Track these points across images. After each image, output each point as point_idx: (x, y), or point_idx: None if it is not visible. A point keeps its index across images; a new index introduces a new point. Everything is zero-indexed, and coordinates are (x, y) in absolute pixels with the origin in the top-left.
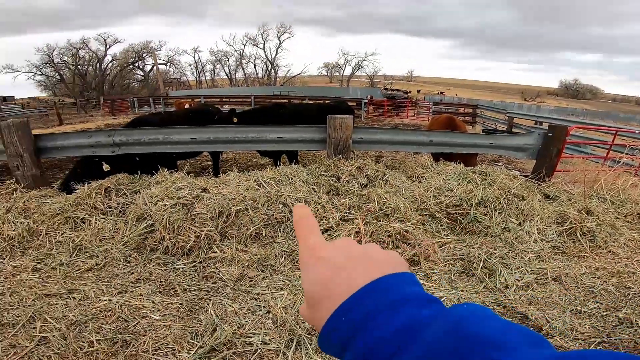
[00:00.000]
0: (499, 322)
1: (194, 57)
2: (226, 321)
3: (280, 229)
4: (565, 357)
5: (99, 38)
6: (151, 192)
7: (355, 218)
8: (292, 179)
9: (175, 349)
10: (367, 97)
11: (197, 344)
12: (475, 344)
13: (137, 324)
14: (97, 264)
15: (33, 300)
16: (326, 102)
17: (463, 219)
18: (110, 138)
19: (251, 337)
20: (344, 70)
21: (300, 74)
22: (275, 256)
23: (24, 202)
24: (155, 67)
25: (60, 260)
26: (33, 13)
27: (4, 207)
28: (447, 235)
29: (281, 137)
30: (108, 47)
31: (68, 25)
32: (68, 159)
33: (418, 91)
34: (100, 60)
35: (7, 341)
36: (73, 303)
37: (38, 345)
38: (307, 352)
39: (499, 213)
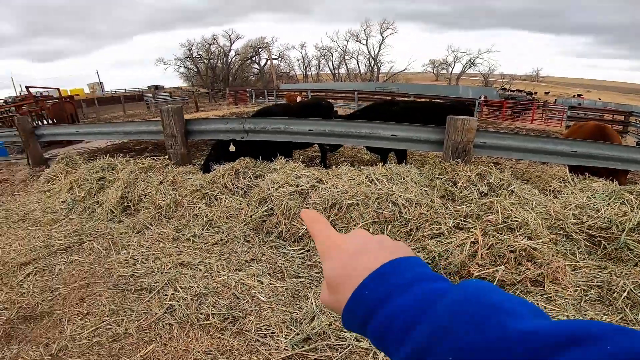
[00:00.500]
0: (506, 295)
1: (301, 53)
2: (324, 312)
3: (387, 228)
4: (569, 325)
5: (225, 34)
6: (274, 178)
7: (472, 227)
8: (404, 178)
9: (275, 332)
10: (480, 97)
11: (294, 331)
12: (490, 311)
13: (246, 302)
14: (221, 240)
15: (169, 268)
16: (435, 100)
17: (609, 244)
18: (241, 125)
19: (345, 332)
20: (452, 68)
21: (403, 70)
22: None
23: (174, 176)
24: (269, 62)
25: (194, 233)
26: (178, 10)
27: (158, 179)
28: (584, 259)
29: (395, 135)
30: (232, 42)
31: (202, 22)
32: (201, 142)
33: (547, 93)
34: (226, 55)
35: (142, 306)
36: (199, 274)
37: (165, 312)
38: None
39: None
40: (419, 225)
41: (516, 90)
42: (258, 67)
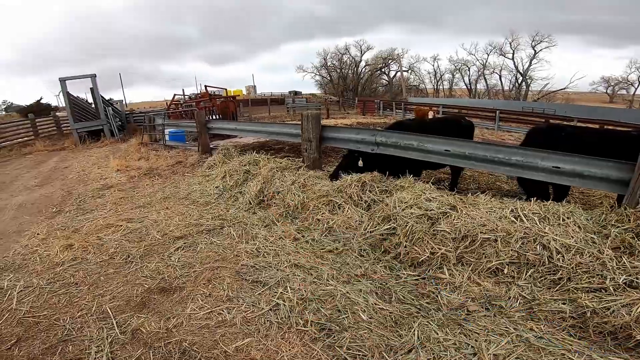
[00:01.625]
0: None
1: (433, 65)
2: (425, 347)
3: (526, 272)
4: None
5: (356, 45)
6: (402, 197)
7: None
8: (563, 220)
9: (366, 356)
10: None
11: (387, 359)
12: None
13: (346, 317)
14: (336, 249)
15: (285, 267)
16: (612, 128)
17: None
18: (373, 137)
19: None
20: (636, 88)
21: (564, 89)
22: (509, 298)
23: (304, 179)
24: (400, 74)
25: (314, 237)
26: (317, 20)
27: (291, 179)
28: None
29: (558, 167)
30: (363, 53)
31: (337, 32)
32: (329, 149)
33: None
34: (357, 65)
35: (253, 298)
36: (309, 279)
37: (270, 310)
38: None
39: None
40: (574, 276)
41: None
42: (387, 79)
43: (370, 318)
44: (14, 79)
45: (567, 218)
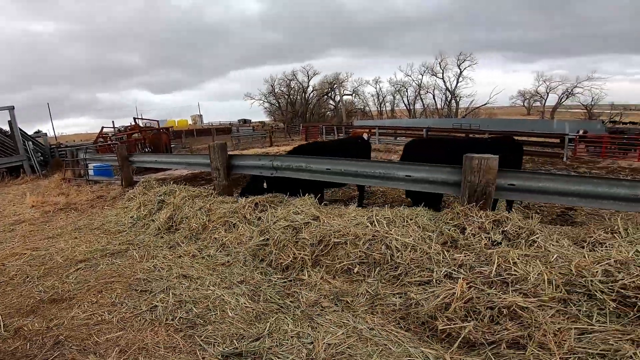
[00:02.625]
0: None
1: (376, 88)
2: (272, 336)
3: (375, 270)
4: None
5: (303, 70)
6: (275, 212)
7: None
8: (408, 221)
9: (218, 342)
10: (578, 132)
11: (235, 345)
12: None
13: (214, 314)
14: (227, 261)
15: (174, 277)
16: (479, 136)
17: None
18: (270, 162)
19: (278, 358)
20: (545, 100)
21: (485, 104)
22: (357, 295)
23: (210, 204)
24: (340, 98)
25: (209, 253)
26: (267, 47)
27: (199, 205)
28: (604, 323)
29: (409, 176)
30: (310, 78)
31: (286, 59)
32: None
33: None
34: (305, 90)
35: (135, 303)
36: (193, 286)
37: (147, 310)
38: None
39: None
40: (409, 271)
41: (629, 122)
42: (333, 103)
43: (235, 315)
44: None
45: (410, 220)
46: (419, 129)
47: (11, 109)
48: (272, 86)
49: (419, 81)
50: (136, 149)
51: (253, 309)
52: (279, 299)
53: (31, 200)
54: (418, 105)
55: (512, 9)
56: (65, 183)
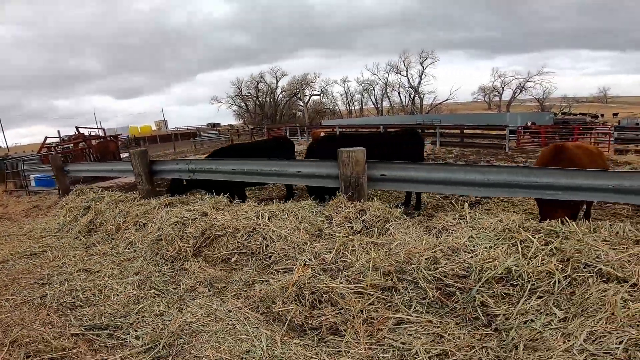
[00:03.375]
0: None
1: (344, 87)
2: (139, 315)
3: (252, 260)
4: None
5: (271, 72)
6: (171, 210)
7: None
8: (288, 214)
9: (89, 319)
10: (525, 124)
11: (102, 322)
12: None
13: (98, 299)
14: (132, 257)
15: (76, 271)
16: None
17: (463, 296)
18: (187, 166)
19: (136, 332)
20: (501, 94)
21: (446, 100)
22: (231, 282)
23: (129, 208)
24: (308, 99)
25: (119, 251)
26: (234, 49)
27: (119, 210)
28: (421, 313)
29: (300, 172)
30: (278, 79)
31: (255, 60)
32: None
33: (615, 114)
34: (273, 92)
35: (30, 293)
36: (90, 278)
37: (38, 297)
38: None
39: (538, 298)
40: (278, 260)
41: (579, 113)
42: (302, 104)
43: (116, 299)
44: None
45: (291, 212)
46: (376, 127)
47: None
48: (239, 88)
49: (385, 79)
50: (84, 158)
51: (135, 295)
52: (163, 286)
53: None
54: (385, 103)
55: (473, 9)
56: (6, 195)
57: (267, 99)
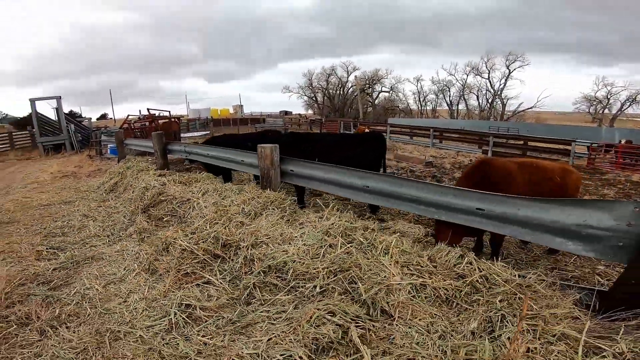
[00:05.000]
0: None
1: (417, 86)
2: (85, 244)
3: (177, 221)
4: None
5: (343, 65)
6: (148, 178)
7: None
8: (218, 192)
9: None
10: (619, 142)
11: (60, 246)
12: None
13: (76, 229)
14: (116, 210)
15: (79, 215)
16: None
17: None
18: (184, 148)
19: (68, 253)
20: (604, 106)
21: (531, 108)
22: (152, 234)
23: (143, 175)
24: (358, 93)
25: (112, 204)
26: (311, 41)
27: (136, 176)
28: (224, 279)
29: (243, 160)
30: (349, 74)
31: (334, 52)
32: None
33: None
34: (344, 86)
35: (40, 225)
36: (83, 219)
37: (41, 228)
38: None
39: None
40: (189, 222)
41: None
42: (371, 100)
43: (82, 234)
44: (12, 90)
45: (218, 192)
46: (424, 129)
47: (58, 98)
48: (309, 80)
49: (464, 81)
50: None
51: (95, 233)
52: (116, 231)
53: (54, 169)
54: (462, 106)
55: (580, 8)
56: (87, 158)
57: (338, 92)
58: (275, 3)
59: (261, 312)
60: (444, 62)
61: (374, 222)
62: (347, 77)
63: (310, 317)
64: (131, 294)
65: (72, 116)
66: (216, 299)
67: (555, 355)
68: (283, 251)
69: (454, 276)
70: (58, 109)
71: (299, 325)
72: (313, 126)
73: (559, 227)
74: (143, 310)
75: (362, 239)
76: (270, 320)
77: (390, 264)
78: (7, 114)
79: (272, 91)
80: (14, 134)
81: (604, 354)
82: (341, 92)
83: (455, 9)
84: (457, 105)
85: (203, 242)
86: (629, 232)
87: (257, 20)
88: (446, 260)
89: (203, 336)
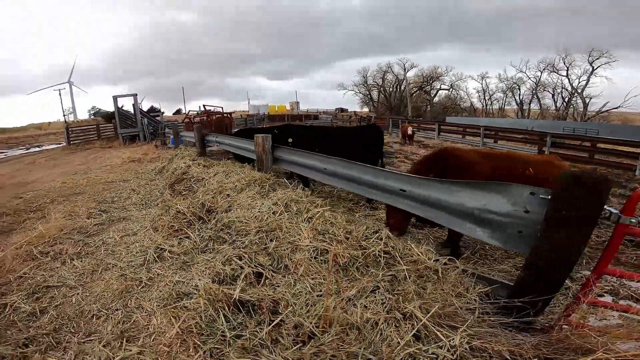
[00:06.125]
0: None
1: (481, 84)
2: (119, 205)
3: (191, 195)
4: None
5: (399, 63)
6: (182, 162)
7: None
8: (226, 174)
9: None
10: None
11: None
12: None
13: (116, 200)
14: (155, 187)
15: (129, 189)
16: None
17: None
18: (215, 139)
19: (106, 214)
20: None
21: (616, 108)
22: (171, 206)
23: (183, 162)
24: (407, 89)
25: (153, 182)
26: (368, 38)
27: (181, 161)
28: (203, 238)
29: (248, 148)
30: (406, 71)
31: (393, 50)
32: None
33: None
34: (400, 83)
35: (94, 193)
36: (128, 192)
37: (94, 194)
38: None
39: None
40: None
41: None
42: (428, 97)
43: (123, 203)
44: (103, 87)
45: (226, 174)
46: (474, 127)
47: (135, 95)
48: (364, 77)
49: (537, 78)
50: (210, 129)
51: (141, 198)
52: (147, 200)
53: (125, 155)
54: (534, 105)
55: None
56: (154, 147)
57: (394, 89)
58: (334, 1)
59: (206, 256)
60: (512, 59)
61: (325, 200)
62: (404, 75)
63: (224, 259)
64: (135, 242)
65: (153, 111)
66: (184, 247)
67: (395, 327)
68: (236, 216)
69: (356, 247)
70: (134, 105)
71: (213, 265)
72: (362, 122)
73: (464, 211)
74: (135, 253)
75: (295, 208)
76: (205, 261)
77: (306, 229)
78: (100, 109)
79: (330, 89)
80: (100, 126)
81: (440, 343)
82: (397, 90)
83: (528, 2)
84: (529, 104)
85: (193, 207)
86: (527, 219)
87: (316, 19)
88: (359, 234)
89: (159, 269)
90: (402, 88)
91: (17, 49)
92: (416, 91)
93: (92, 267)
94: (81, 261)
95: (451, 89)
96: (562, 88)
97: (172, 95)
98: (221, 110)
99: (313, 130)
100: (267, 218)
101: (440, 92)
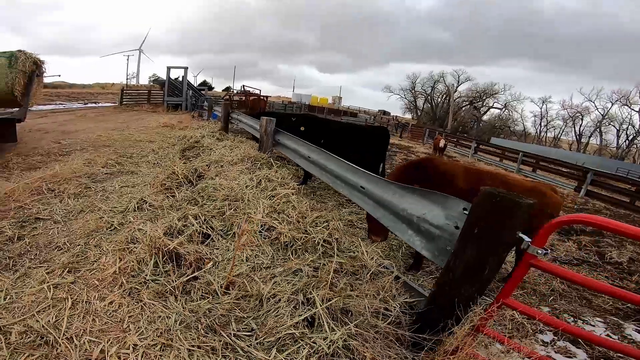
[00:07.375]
0: None
1: (541, 109)
2: (134, 159)
3: (198, 159)
4: None
5: (453, 73)
6: (201, 135)
7: None
8: (230, 148)
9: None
10: None
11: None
12: None
13: (134, 156)
14: (172, 149)
15: (150, 149)
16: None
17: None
18: (237, 116)
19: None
20: None
21: None
22: None
23: (206, 132)
24: (451, 102)
25: (173, 146)
26: (430, 44)
27: (199, 132)
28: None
29: (255, 127)
30: (460, 83)
31: (452, 60)
32: None
33: None
34: (450, 95)
35: (122, 149)
36: (149, 152)
37: (122, 150)
38: None
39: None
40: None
41: None
42: (477, 114)
43: (140, 160)
44: (166, 58)
45: (230, 147)
46: (516, 152)
47: (185, 68)
48: (413, 82)
49: (605, 110)
50: (246, 109)
51: (157, 157)
52: (159, 160)
53: (163, 121)
54: (594, 140)
55: None
56: (191, 118)
57: (442, 100)
58: (397, 1)
59: (174, 214)
60: (584, 85)
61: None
62: (456, 87)
63: (182, 215)
64: (129, 193)
65: (205, 85)
66: (163, 203)
67: (294, 308)
68: (214, 184)
69: (303, 231)
70: (183, 77)
71: (171, 222)
72: (398, 128)
73: (406, 217)
74: (122, 202)
75: (264, 186)
76: (171, 217)
77: (264, 205)
78: (159, 77)
79: (376, 89)
80: (152, 91)
81: (324, 334)
82: (446, 101)
83: (611, 27)
84: (589, 137)
85: (187, 171)
86: (455, 236)
87: (376, 17)
88: (309, 220)
89: (132, 217)
90: (450, 100)
91: (99, 16)
92: (465, 105)
93: (81, 207)
94: (76, 201)
95: (504, 109)
96: (630, 124)
97: (226, 73)
98: (258, 93)
99: (328, 124)
100: (237, 189)
101: (491, 110)
